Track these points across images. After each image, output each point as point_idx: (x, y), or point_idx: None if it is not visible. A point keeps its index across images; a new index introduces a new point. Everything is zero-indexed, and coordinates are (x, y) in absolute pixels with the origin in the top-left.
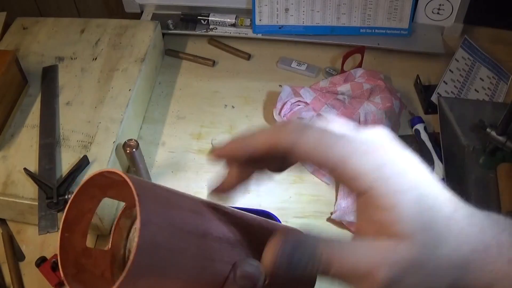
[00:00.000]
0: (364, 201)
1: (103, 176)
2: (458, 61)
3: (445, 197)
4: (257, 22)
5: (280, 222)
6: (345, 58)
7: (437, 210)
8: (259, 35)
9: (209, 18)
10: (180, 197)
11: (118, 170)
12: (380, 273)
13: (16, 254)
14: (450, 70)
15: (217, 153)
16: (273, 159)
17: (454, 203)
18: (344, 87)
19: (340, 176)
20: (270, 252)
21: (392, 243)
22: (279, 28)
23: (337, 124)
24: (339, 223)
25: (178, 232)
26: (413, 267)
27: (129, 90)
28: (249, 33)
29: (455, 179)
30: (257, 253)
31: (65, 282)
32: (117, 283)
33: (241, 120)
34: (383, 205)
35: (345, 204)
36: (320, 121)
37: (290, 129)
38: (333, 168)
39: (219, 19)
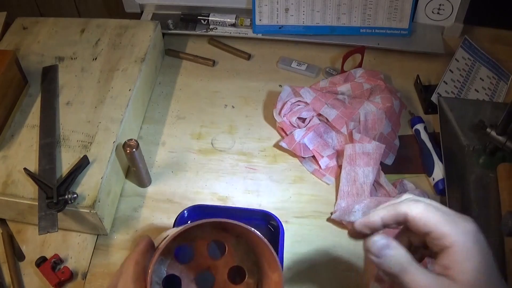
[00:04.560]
0: (444, 253)
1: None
2: (458, 61)
3: (498, 272)
4: (257, 22)
5: (280, 222)
6: (345, 58)
7: (491, 275)
8: (259, 35)
9: (209, 18)
10: None
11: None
12: None
13: (16, 254)
14: (450, 70)
15: (353, 235)
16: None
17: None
18: (344, 87)
19: (430, 237)
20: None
21: (449, 282)
22: (279, 28)
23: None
24: (339, 223)
25: None
26: None
27: (129, 90)
28: (249, 33)
29: (455, 179)
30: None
31: None
32: None
33: (241, 120)
34: (456, 259)
35: (345, 204)
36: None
37: (405, 201)
38: (430, 230)
39: (219, 19)
